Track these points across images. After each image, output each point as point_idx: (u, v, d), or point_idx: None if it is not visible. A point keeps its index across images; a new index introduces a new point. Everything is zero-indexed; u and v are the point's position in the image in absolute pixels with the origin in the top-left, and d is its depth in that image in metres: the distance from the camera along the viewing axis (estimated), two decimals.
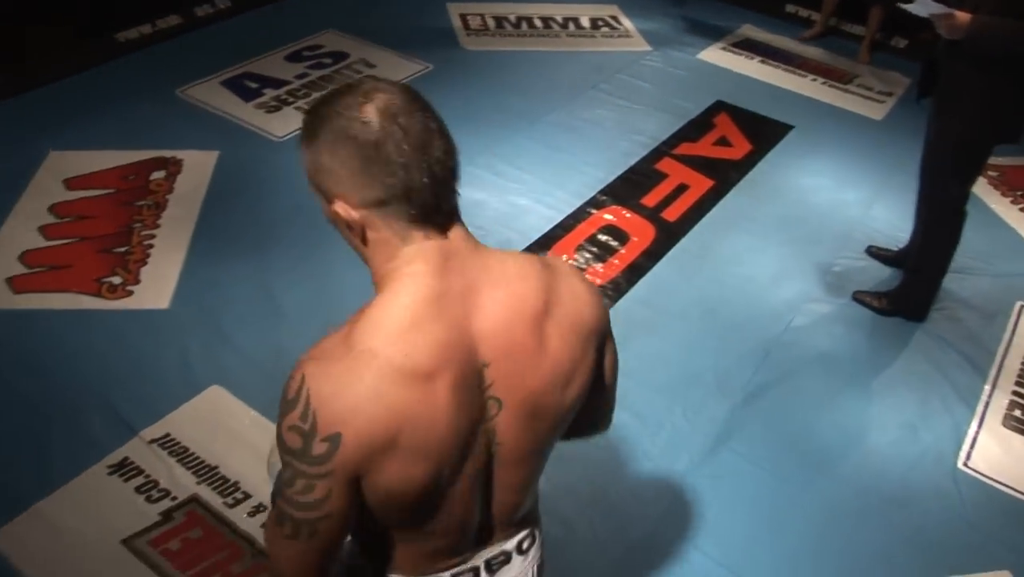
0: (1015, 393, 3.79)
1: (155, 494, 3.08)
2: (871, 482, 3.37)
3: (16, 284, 3.93)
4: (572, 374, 1.45)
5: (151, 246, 4.20)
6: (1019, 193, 5.09)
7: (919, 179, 3.89)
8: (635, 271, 4.29)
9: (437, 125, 1.31)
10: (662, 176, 5.00)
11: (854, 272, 4.38)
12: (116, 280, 3.98)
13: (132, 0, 6.15)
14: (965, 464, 3.47)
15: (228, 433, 3.30)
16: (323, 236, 4.47)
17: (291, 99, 5.52)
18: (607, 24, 6.83)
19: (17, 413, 3.36)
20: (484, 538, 1.57)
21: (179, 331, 3.76)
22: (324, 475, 1.28)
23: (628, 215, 4.66)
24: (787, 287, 4.27)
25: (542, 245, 4.39)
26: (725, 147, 5.33)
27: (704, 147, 5.31)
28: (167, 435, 3.29)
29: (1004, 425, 3.65)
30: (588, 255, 4.35)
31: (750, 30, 6.85)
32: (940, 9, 3.31)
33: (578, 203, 4.73)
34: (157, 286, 3.98)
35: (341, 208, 1.31)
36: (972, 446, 3.55)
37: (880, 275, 4.36)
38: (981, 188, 4.88)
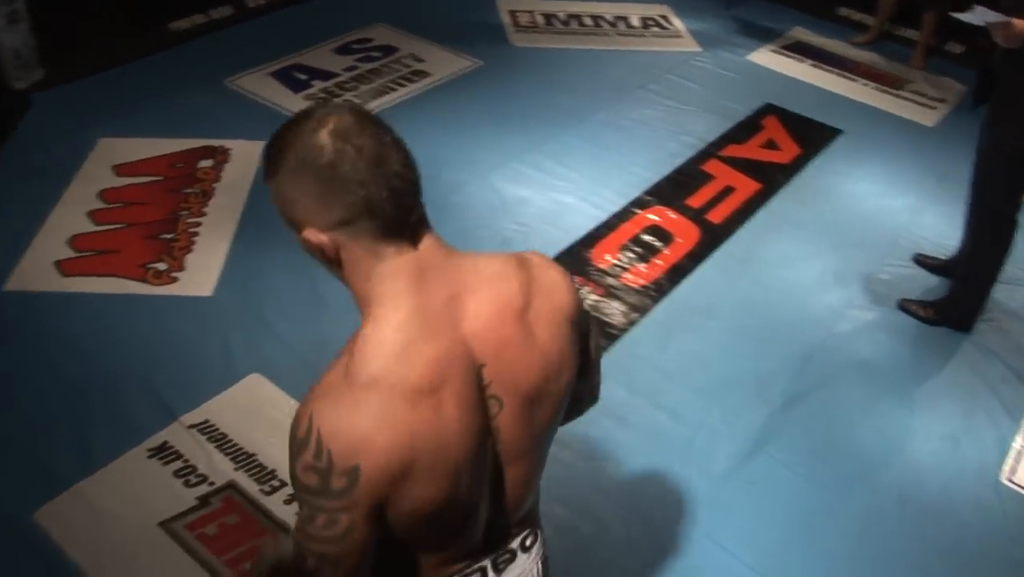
0: None
1: (193, 479, 3.11)
2: (910, 492, 3.32)
3: (65, 267, 3.99)
4: (562, 361, 1.47)
5: (197, 234, 4.24)
6: None
7: (970, 187, 3.83)
8: (678, 272, 4.27)
9: (392, 139, 1.32)
10: (708, 177, 4.97)
11: (900, 280, 4.32)
12: (161, 266, 4.03)
13: None
14: (1009, 478, 3.41)
15: (267, 421, 3.32)
16: None
17: (340, 92, 5.55)
18: (657, 24, 6.80)
19: (61, 394, 3.41)
20: (491, 538, 1.57)
21: (222, 319, 3.80)
22: (347, 508, 1.28)
23: (673, 216, 4.63)
24: (831, 293, 4.23)
25: (586, 244, 4.38)
26: (773, 150, 5.29)
27: (751, 149, 5.27)
28: (207, 421, 3.32)
29: None
30: (631, 255, 4.34)
31: (801, 33, 6.79)
32: (997, 17, 3.26)
33: (623, 202, 4.72)
34: (201, 273, 4.02)
35: (311, 235, 1.31)
36: (1017, 460, 3.49)
37: (927, 283, 4.30)
38: None
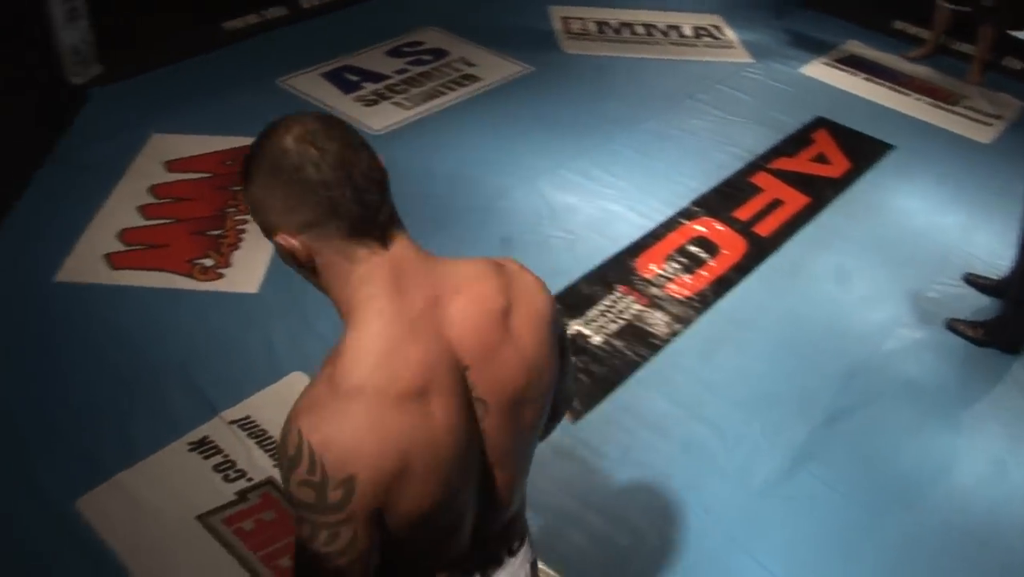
0: None
1: (232, 474, 3.14)
2: (954, 517, 3.27)
3: (114, 260, 4.04)
4: (544, 365, 1.49)
5: (244, 231, 4.27)
6: None
7: None
8: (723, 284, 4.24)
9: (359, 142, 1.33)
10: (756, 190, 4.94)
11: (950, 299, 4.26)
12: (208, 262, 4.07)
13: None
14: None
15: None
16: (411, 233, 4.53)
17: (389, 94, 5.58)
18: (709, 34, 6.76)
19: (106, 385, 3.46)
20: (478, 542, 1.57)
21: (266, 316, 3.82)
22: (346, 520, 1.27)
23: (720, 227, 4.60)
24: (879, 310, 4.18)
25: (631, 253, 4.36)
26: (823, 164, 5.24)
27: (801, 163, 5.22)
28: (247, 417, 3.35)
29: None
30: (677, 265, 4.31)
31: (855, 46, 6.72)
32: None
33: (670, 212, 4.69)
34: (247, 270, 4.05)
35: (283, 239, 1.33)
36: None
37: (977, 304, 4.23)
38: None
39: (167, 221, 4.30)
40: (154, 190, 4.48)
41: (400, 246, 1.36)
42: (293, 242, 1.32)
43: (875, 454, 3.47)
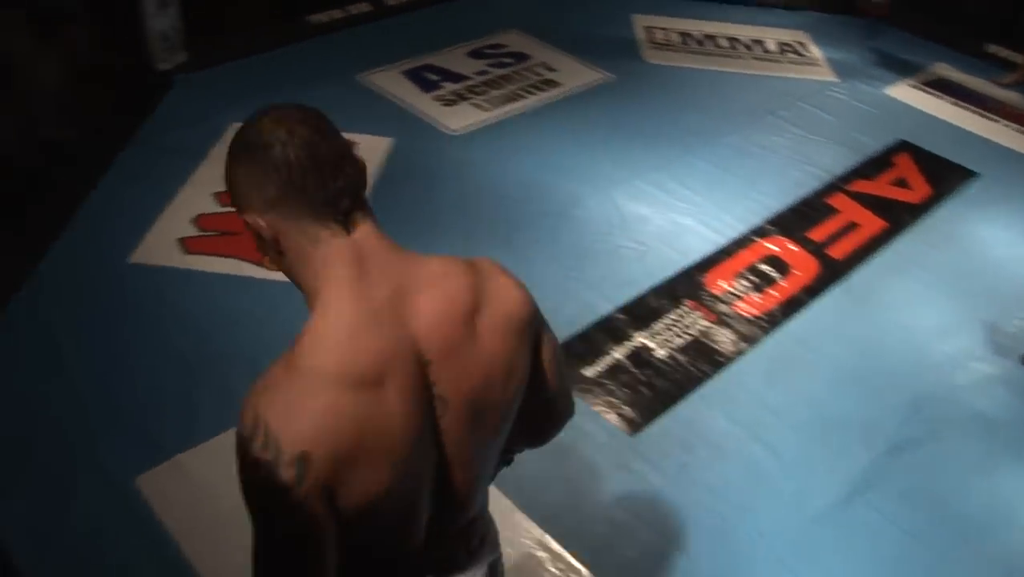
0: None
1: None
2: (1022, 565, 3.17)
3: (188, 245, 4.11)
4: (510, 369, 1.48)
5: None
6: None
7: None
8: (793, 305, 4.17)
9: (331, 130, 1.38)
10: (832, 211, 4.86)
11: None
12: None
13: None
14: None
15: None
16: (482, 235, 4.57)
17: (468, 94, 5.60)
18: (794, 50, 6.68)
19: (172, 366, 3.51)
20: (434, 539, 1.56)
21: None
22: (299, 502, 1.28)
23: (792, 247, 4.54)
24: (951, 341, 4.08)
25: (701, 268, 4.32)
26: (902, 188, 5.14)
27: (880, 186, 5.13)
28: None
29: None
30: (747, 283, 4.26)
31: (944, 69, 6.59)
32: None
33: (743, 229, 4.64)
34: None
35: (251, 218, 1.36)
36: None
37: None
38: None
39: None
40: None
41: (364, 233, 1.38)
42: (260, 222, 1.36)
43: (939, 489, 3.39)
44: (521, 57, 6.12)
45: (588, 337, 3.86)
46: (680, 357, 3.81)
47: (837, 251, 4.55)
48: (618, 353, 3.81)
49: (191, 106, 5.11)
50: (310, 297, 1.38)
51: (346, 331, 1.32)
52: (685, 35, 6.71)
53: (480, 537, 1.69)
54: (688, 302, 4.10)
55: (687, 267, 4.33)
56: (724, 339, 3.93)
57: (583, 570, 2.95)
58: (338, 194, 1.35)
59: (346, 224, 1.37)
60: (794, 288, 4.28)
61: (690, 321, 4.00)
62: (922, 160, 5.41)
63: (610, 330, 3.91)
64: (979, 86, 6.41)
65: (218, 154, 4.68)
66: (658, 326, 3.96)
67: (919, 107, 6.08)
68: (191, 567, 2.84)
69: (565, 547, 3.00)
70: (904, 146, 5.54)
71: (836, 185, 5.08)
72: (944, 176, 5.29)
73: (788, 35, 6.89)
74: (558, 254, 4.31)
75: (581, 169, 4.98)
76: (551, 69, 6.00)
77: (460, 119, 5.33)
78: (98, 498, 3.01)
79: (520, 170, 4.93)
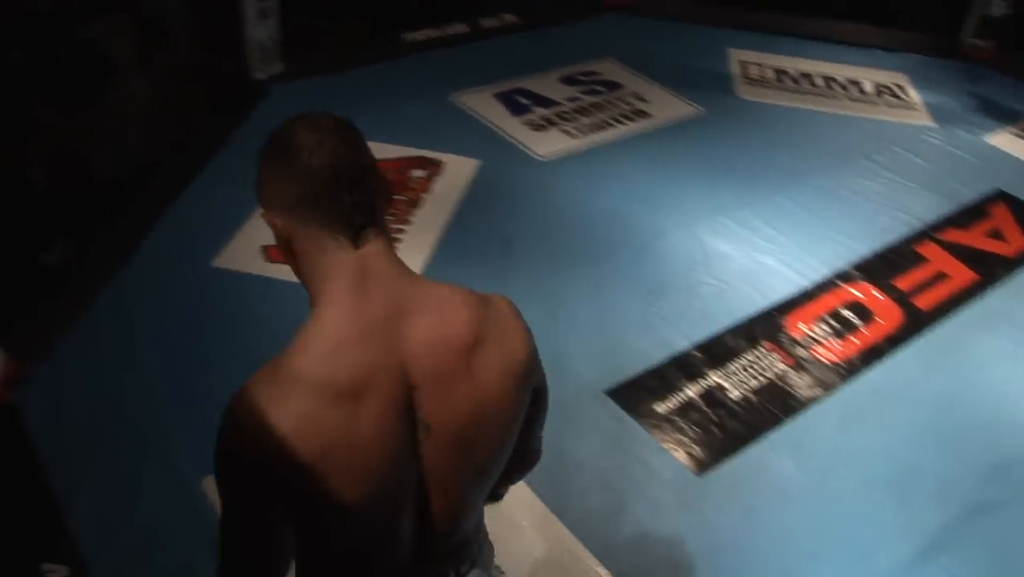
0: None
1: None
2: None
3: (271, 253, 4.16)
4: (502, 410, 1.49)
5: (399, 240, 4.34)
6: None
7: None
8: (873, 354, 4.07)
9: (358, 144, 1.42)
10: (921, 260, 4.74)
11: None
12: None
13: (424, 5, 6.43)
14: None
15: None
16: (562, 262, 4.56)
17: (558, 120, 5.61)
18: (892, 92, 6.55)
19: (246, 372, 3.49)
20: (421, 559, 1.57)
21: None
22: (261, 497, 1.35)
23: (877, 294, 4.43)
24: None
25: (781, 310, 4.24)
26: (997, 240, 4.99)
27: (973, 236, 4.99)
28: None
29: None
30: (827, 328, 4.17)
31: None
32: None
33: (827, 273, 4.55)
34: None
35: (268, 216, 1.42)
36: None
37: None
38: None
39: None
40: None
41: (373, 250, 1.41)
42: (276, 221, 1.42)
43: (1020, 558, 3.26)
44: (613, 86, 6.11)
45: (661, 373, 3.82)
46: (754, 399, 3.75)
47: (923, 301, 4.44)
48: (691, 391, 3.76)
49: (283, 115, 5.12)
50: (312, 301, 1.43)
51: (332, 343, 1.36)
52: (780, 72, 6.63)
53: (471, 561, 1.70)
54: (766, 343, 4.04)
55: (767, 308, 4.26)
56: (800, 384, 3.86)
57: None
58: (352, 209, 1.39)
59: (356, 239, 1.40)
60: (876, 336, 4.18)
61: (767, 363, 3.93)
62: (1019, 211, 5.24)
63: (685, 367, 3.87)
64: None
65: None
66: (734, 366, 3.90)
67: (1020, 156, 5.90)
68: None
69: None
70: (1001, 196, 5.38)
71: (926, 233, 4.96)
72: None
73: (886, 76, 6.76)
74: (637, 286, 4.28)
75: (666, 202, 4.94)
76: (643, 99, 5.98)
77: (548, 145, 5.34)
78: (165, 496, 3.06)
79: (605, 199, 4.91)
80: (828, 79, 6.61)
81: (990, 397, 3.94)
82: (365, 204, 1.40)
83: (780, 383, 3.85)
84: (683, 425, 3.60)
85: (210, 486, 3.06)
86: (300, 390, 1.32)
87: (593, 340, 3.91)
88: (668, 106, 5.95)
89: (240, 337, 3.71)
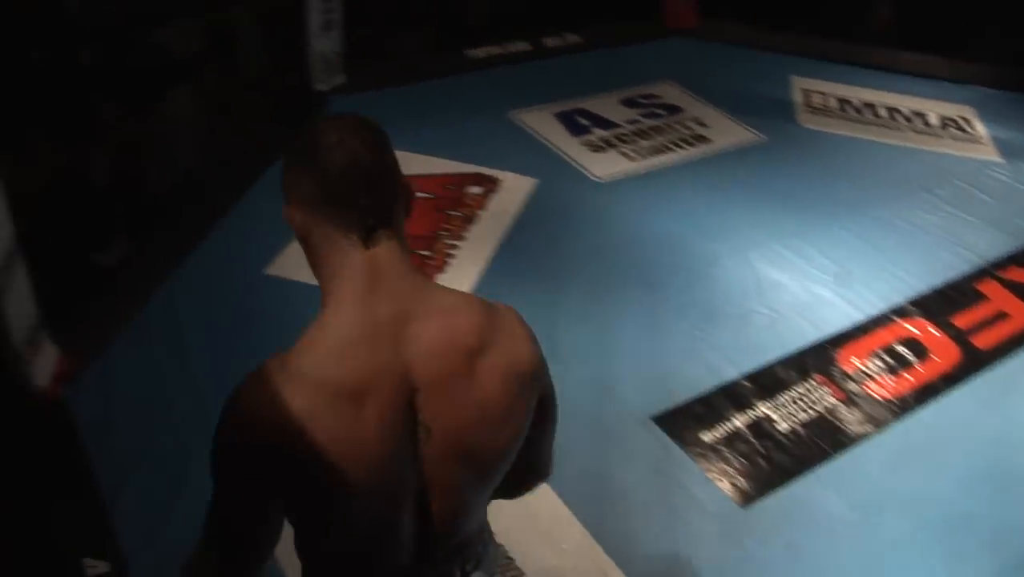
0: None
1: None
2: None
3: None
4: (505, 417, 1.48)
5: (452, 256, 4.35)
6: None
7: None
8: (928, 392, 3.99)
9: (381, 144, 1.43)
10: (981, 298, 4.64)
11: None
12: None
13: (483, 22, 6.47)
14: None
15: None
16: (614, 284, 4.53)
17: (617, 142, 5.59)
18: (957, 125, 6.44)
19: None
20: (423, 558, 1.58)
21: None
22: (253, 489, 1.40)
23: (934, 331, 4.35)
24: None
25: (834, 343, 4.17)
26: None
27: None
28: None
29: None
30: (881, 364, 4.10)
31: None
32: None
33: (883, 307, 4.47)
34: None
35: (287, 209, 1.44)
36: None
37: None
38: None
39: None
40: None
41: (383, 251, 1.42)
42: (294, 216, 1.44)
43: None
44: (674, 110, 6.08)
45: (709, 401, 3.78)
46: (802, 432, 3.69)
47: (982, 340, 4.34)
48: (739, 421, 3.71)
49: None
50: (323, 297, 1.44)
51: (339, 342, 1.38)
52: (844, 101, 6.56)
53: (476, 561, 1.70)
54: (817, 376, 3.97)
55: (820, 340, 4.19)
56: (851, 419, 3.79)
57: None
58: (365, 210, 1.40)
59: (368, 239, 1.41)
60: (931, 374, 4.10)
61: (817, 396, 3.87)
62: None
63: (733, 396, 3.82)
64: None
65: None
66: (783, 398, 3.84)
67: None
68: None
69: None
70: None
71: (988, 271, 4.86)
72: None
73: (952, 109, 6.65)
74: (688, 312, 4.24)
75: (722, 228, 4.90)
76: (703, 124, 5.95)
77: (606, 166, 5.32)
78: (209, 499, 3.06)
79: (660, 223, 4.88)
80: (892, 110, 6.53)
81: None
82: (380, 206, 1.42)
83: (830, 417, 3.78)
84: (729, 455, 3.55)
85: None
86: (304, 386, 1.34)
87: (641, 365, 3.88)
88: (728, 132, 5.91)
89: (288, 344, 3.70)
